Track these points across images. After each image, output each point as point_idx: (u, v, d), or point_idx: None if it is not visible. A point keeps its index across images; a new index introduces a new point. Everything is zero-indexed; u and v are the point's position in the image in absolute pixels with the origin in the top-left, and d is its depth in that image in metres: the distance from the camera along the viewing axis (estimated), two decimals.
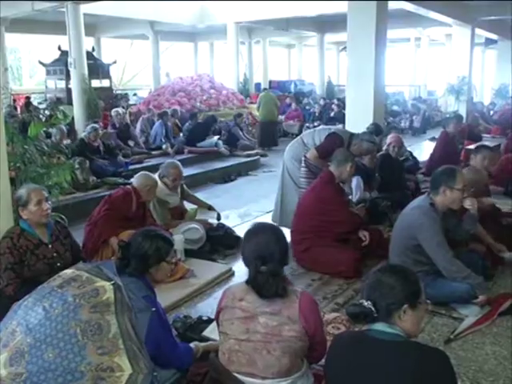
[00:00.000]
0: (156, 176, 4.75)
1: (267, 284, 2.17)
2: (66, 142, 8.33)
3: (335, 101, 15.68)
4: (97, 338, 1.80)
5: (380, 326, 1.93)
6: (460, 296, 3.54)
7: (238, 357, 2.20)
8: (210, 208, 5.43)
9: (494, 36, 17.66)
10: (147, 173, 4.60)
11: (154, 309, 2.34)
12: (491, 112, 15.99)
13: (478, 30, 14.33)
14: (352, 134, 5.25)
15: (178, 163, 5.02)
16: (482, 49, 21.03)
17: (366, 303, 1.94)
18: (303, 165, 5.10)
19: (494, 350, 3.14)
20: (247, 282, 2.26)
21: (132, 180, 4.62)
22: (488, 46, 20.48)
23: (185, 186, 5.28)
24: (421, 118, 15.48)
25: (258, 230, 2.34)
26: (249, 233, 2.34)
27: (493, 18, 13.92)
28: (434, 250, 3.51)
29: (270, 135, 12.57)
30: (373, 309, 1.92)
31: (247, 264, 2.27)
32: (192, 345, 2.70)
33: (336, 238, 4.39)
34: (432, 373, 1.81)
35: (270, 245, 2.22)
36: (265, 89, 14.31)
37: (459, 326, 3.38)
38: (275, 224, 4.99)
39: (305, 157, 5.10)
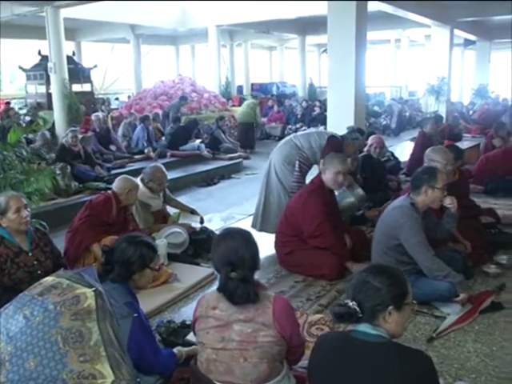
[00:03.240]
0: (138, 180, 4.73)
1: (238, 290, 2.14)
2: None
3: (317, 102, 15.76)
4: (78, 345, 1.79)
5: (364, 328, 1.92)
6: (442, 295, 3.58)
7: (216, 366, 2.19)
8: (193, 212, 5.42)
9: (472, 37, 17.87)
10: (126, 176, 4.59)
11: (135, 315, 2.33)
12: (470, 112, 16.19)
13: (456, 31, 14.50)
14: (341, 137, 5.21)
15: (162, 167, 5.02)
16: (462, 49, 21.26)
17: (350, 303, 1.92)
18: (297, 169, 4.98)
19: (475, 348, 3.17)
20: (218, 289, 2.23)
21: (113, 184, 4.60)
22: (467, 47, 20.72)
23: (167, 190, 5.26)
24: (396, 119, 15.61)
25: (226, 235, 2.30)
26: (217, 239, 2.31)
27: (471, 19, 14.10)
28: (415, 249, 3.54)
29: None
30: (358, 309, 1.91)
31: (217, 270, 2.24)
32: (175, 350, 2.69)
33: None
34: (415, 375, 1.81)
35: (240, 250, 2.18)
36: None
37: (441, 324, 3.42)
38: (255, 229, 5.05)
39: (299, 161, 4.97)
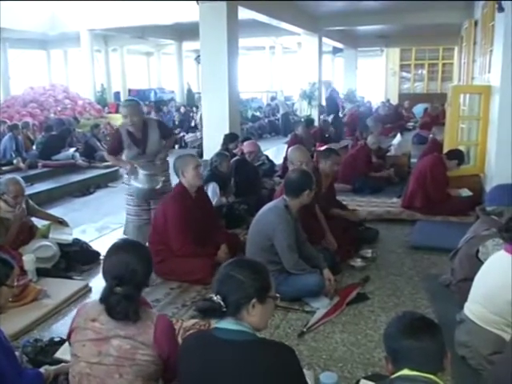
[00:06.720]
0: None
1: (119, 306, 2.06)
2: None
3: (195, 108, 15.79)
4: None
5: (226, 324, 1.90)
6: (311, 290, 3.77)
7: (89, 380, 2.10)
8: (62, 222, 5.18)
9: (340, 45, 18.91)
10: None
11: None
12: (341, 115, 17.10)
13: (325, 39, 15.22)
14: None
15: (19, 179, 4.72)
16: (331, 57, 22.41)
17: (215, 298, 1.89)
18: None
19: (342, 338, 3.37)
20: (101, 299, 2.13)
21: None
22: (336, 54, 21.91)
23: (30, 202, 4.95)
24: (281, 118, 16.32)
25: (120, 247, 2.22)
26: (111, 249, 2.22)
27: (336, 28, 14.90)
28: (284, 251, 3.73)
29: None
30: (222, 303, 1.88)
31: (105, 280, 2.15)
32: (42, 369, 2.56)
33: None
34: (279, 367, 1.84)
35: (130, 265, 2.11)
36: None
37: (311, 318, 3.58)
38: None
39: None
